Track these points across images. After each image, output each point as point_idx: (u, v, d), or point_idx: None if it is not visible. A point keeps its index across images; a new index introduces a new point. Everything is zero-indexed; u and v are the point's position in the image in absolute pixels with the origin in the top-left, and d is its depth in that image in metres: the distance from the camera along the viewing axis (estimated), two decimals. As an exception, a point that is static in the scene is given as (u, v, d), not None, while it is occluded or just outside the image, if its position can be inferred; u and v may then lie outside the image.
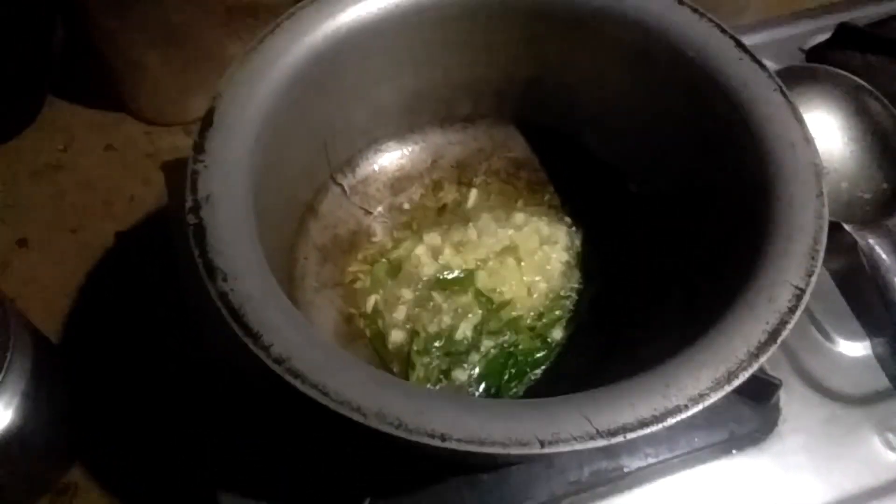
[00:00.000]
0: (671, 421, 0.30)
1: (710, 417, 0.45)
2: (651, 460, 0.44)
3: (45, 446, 0.54)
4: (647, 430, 0.29)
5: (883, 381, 0.48)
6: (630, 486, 0.44)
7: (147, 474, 0.56)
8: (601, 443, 0.29)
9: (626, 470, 0.43)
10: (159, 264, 0.64)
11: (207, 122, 0.37)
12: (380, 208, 0.51)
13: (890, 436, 0.46)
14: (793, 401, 0.47)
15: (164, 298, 0.62)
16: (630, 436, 0.29)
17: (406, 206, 0.51)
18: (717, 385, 0.31)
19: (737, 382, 0.31)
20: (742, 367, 0.31)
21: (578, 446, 0.29)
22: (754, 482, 0.44)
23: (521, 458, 0.39)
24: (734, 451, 0.45)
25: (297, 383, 0.30)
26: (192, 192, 0.35)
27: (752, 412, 0.46)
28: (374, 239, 0.50)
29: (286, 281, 0.44)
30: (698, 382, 0.31)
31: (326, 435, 0.42)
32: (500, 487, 0.43)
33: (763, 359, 0.31)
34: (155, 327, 0.62)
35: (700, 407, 0.30)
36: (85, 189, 0.72)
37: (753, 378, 0.45)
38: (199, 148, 0.37)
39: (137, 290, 0.65)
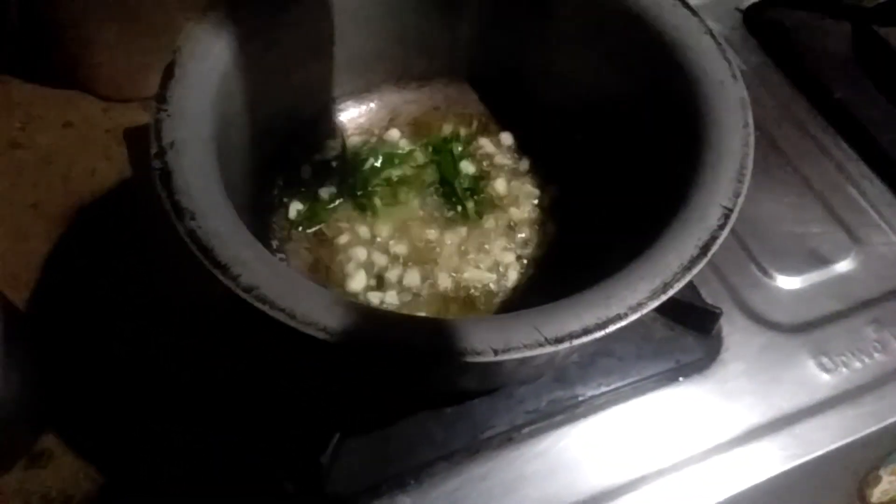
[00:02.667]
0: (612, 328, 0.32)
1: (657, 348, 0.48)
2: (604, 389, 0.47)
3: (17, 413, 0.55)
4: (591, 337, 0.32)
5: (817, 311, 0.52)
6: (585, 415, 0.47)
7: (120, 438, 0.57)
8: (549, 349, 0.31)
9: (580, 398, 0.46)
10: (122, 236, 0.65)
11: (169, 73, 0.39)
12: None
13: (824, 359, 0.50)
14: (734, 331, 0.51)
15: (130, 266, 0.63)
16: (576, 342, 0.32)
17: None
18: (654, 294, 0.33)
19: (671, 292, 0.33)
20: (676, 279, 0.34)
21: (529, 353, 0.31)
22: (700, 406, 0.48)
23: (479, 375, 0.41)
24: (681, 379, 0.48)
25: (266, 308, 0.32)
26: (157, 139, 0.37)
27: (696, 342, 0.49)
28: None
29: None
30: (636, 293, 0.33)
31: (295, 373, 0.44)
32: (463, 419, 0.45)
33: (695, 270, 0.34)
34: (121, 295, 0.63)
35: (638, 314, 0.33)
36: (44, 165, 0.71)
37: (696, 308, 0.48)
38: (161, 98, 0.38)
39: (102, 261, 0.65)
